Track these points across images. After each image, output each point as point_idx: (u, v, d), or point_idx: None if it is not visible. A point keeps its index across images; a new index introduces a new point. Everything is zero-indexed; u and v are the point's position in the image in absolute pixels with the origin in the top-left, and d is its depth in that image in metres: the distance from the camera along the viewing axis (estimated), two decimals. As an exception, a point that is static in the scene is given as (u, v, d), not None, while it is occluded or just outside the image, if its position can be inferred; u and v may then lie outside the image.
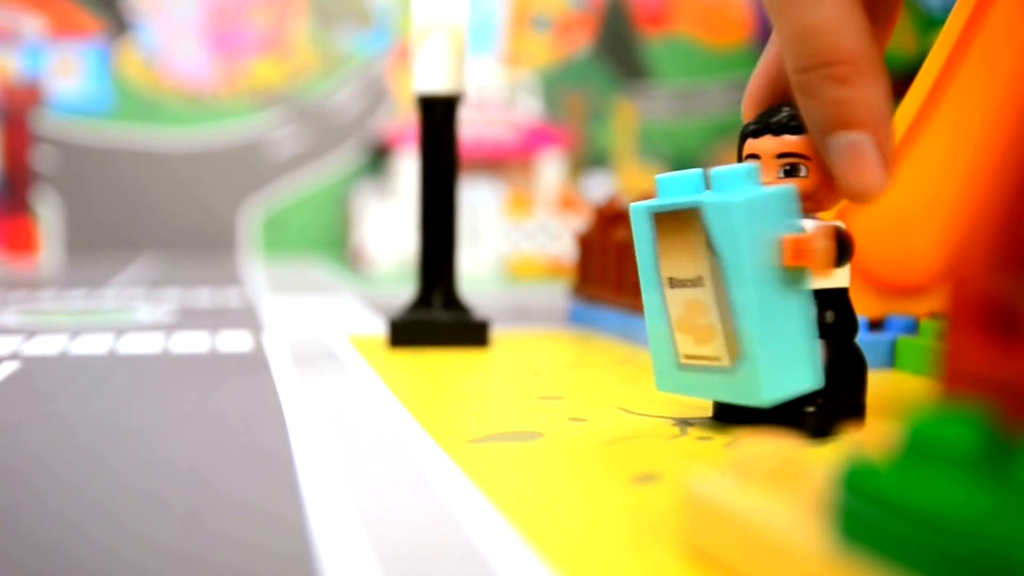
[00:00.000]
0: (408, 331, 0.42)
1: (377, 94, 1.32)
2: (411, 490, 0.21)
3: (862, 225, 0.38)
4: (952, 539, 0.12)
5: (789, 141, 0.25)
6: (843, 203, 0.38)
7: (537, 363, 0.38)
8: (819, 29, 0.23)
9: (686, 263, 0.25)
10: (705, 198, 0.24)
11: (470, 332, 0.42)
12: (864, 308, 0.39)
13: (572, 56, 1.37)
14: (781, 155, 0.25)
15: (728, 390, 0.25)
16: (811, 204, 0.25)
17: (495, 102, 1.14)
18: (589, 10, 1.37)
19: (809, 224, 0.25)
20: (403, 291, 0.72)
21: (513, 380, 0.34)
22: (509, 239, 1.04)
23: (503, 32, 1.35)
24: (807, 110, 0.24)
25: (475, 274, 0.98)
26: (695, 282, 0.25)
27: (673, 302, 0.26)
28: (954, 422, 0.13)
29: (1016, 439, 0.13)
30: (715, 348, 0.25)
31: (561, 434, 0.26)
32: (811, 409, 0.25)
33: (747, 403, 0.24)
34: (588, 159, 1.36)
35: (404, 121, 1.20)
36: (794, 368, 0.24)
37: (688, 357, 0.26)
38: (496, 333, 0.45)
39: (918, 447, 0.13)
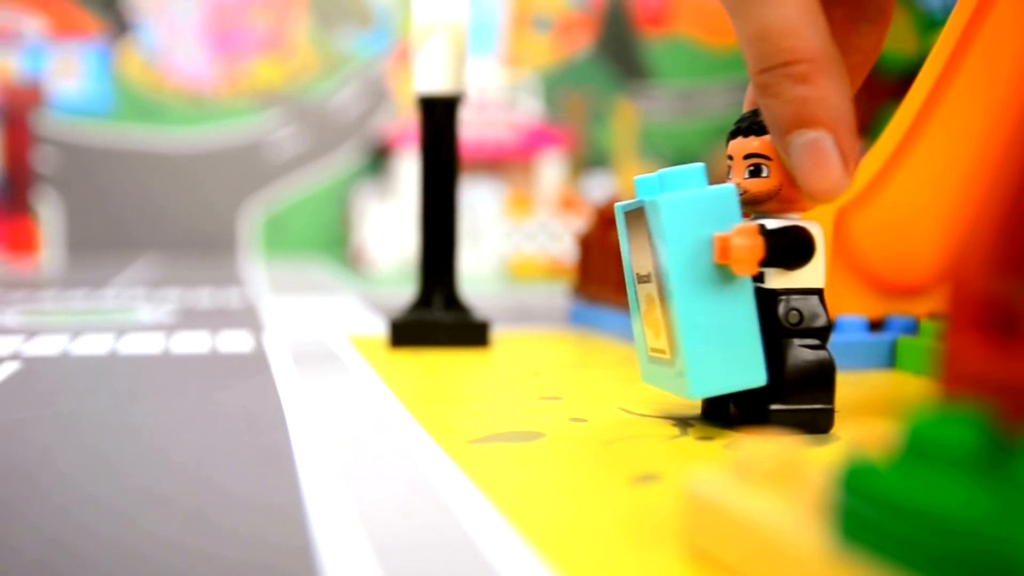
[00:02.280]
0: (409, 331, 0.42)
1: (377, 95, 1.32)
2: (411, 490, 0.21)
3: (863, 225, 0.38)
4: (952, 539, 0.12)
5: (753, 142, 0.26)
6: (843, 202, 0.38)
7: (537, 363, 0.38)
8: (779, 29, 0.23)
9: (644, 260, 0.26)
10: (648, 197, 0.25)
11: (470, 332, 0.42)
12: (864, 308, 0.39)
13: (572, 57, 1.37)
14: (747, 156, 0.26)
15: (670, 383, 0.26)
16: (777, 204, 0.26)
17: (496, 103, 1.14)
18: (589, 11, 1.37)
19: (771, 223, 0.25)
20: (403, 291, 0.72)
21: (513, 380, 0.34)
22: (509, 239, 1.04)
23: (503, 33, 1.35)
24: (767, 110, 0.24)
25: (476, 274, 0.98)
26: (648, 278, 0.26)
27: (641, 297, 0.27)
28: (954, 422, 0.13)
29: (1016, 439, 0.13)
30: (663, 341, 0.26)
31: (561, 434, 0.26)
32: (775, 408, 0.25)
33: (680, 396, 0.25)
34: (588, 160, 1.36)
35: (404, 122, 1.20)
36: (732, 364, 0.25)
37: (652, 350, 0.27)
38: (496, 333, 0.45)
39: (918, 447, 0.13)
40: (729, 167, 0.26)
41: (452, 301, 0.43)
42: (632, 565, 0.16)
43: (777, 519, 0.15)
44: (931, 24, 0.91)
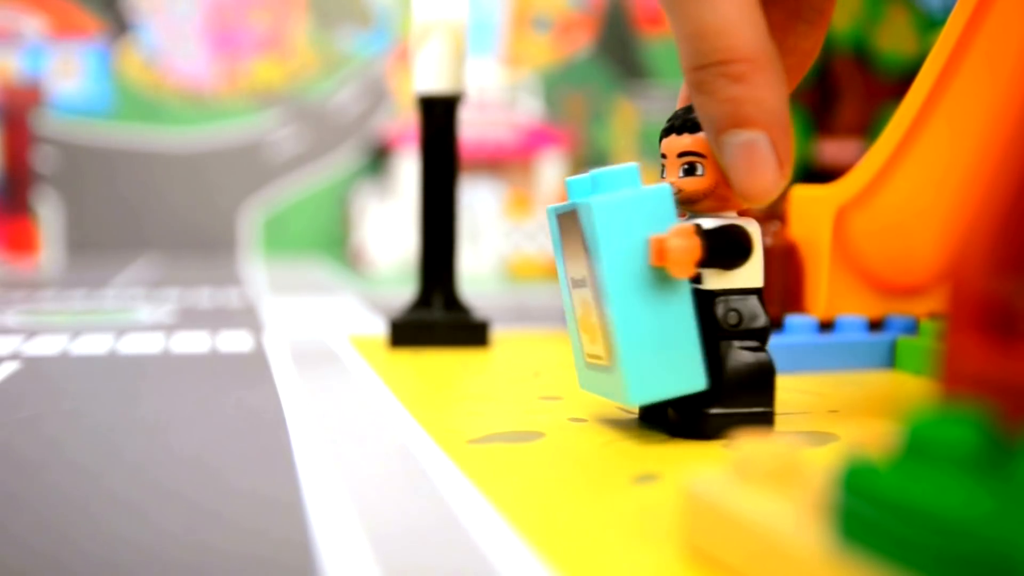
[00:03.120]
0: (408, 331, 0.42)
1: (377, 94, 1.32)
2: (410, 490, 0.21)
3: (862, 225, 0.38)
4: (952, 539, 0.12)
5: (687, 140, 0.25)
6: (842, 201, 0.38)
7: (537, 363, 0.38)
8: (716, 27, 0.22)
9: (578, 263, 0.25)
10: (580, 200, 0.24)
11: (470, 332, 0.42)
12: (864, 308, 0.39)
13: (572, 57, 1.37)
14: (681, 154, 0.25)
15: (609, 389, 0.25)
16: (712, 203, 0.25)
17: (495, 103, 1.14)
18: (589, 11, 1.37)
19: (707, 223, 0.25)
20: (403, 291, 0.72)
21: (513, 380, 0.34)
22: (509, 239, 1.04)
23: (503, 33, 1.35)
24: (701, 108, 0.24)
25: (475, 274, 0.98)
26: (583, 282, 0.25)
27: (576, 302, 0.26)
28: (954, 422, 0.13)
29: (1016, 439, 0.13)
30: (600, 347, 0.25)
31: (561, 434, 0.26)
32: (713, 411, 0.25)
33: (619, 403, 0.25)
34: (588, 159, 1.36)
35: (404, 121, 1.20)
36: (671, 369, 0.24)
37: (589, 356, 0.26)
38: (496, 333, 0.45)
39: (918, 447, 0.13)
40: (663, 166, 0.26)
41: (452, 301, 0.43)
42: (632, 565, 0.16)
43: (777, 519, 0.15)
44: (931, 24, 0.91)
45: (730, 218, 0.25)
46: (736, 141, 0.23)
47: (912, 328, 0.38)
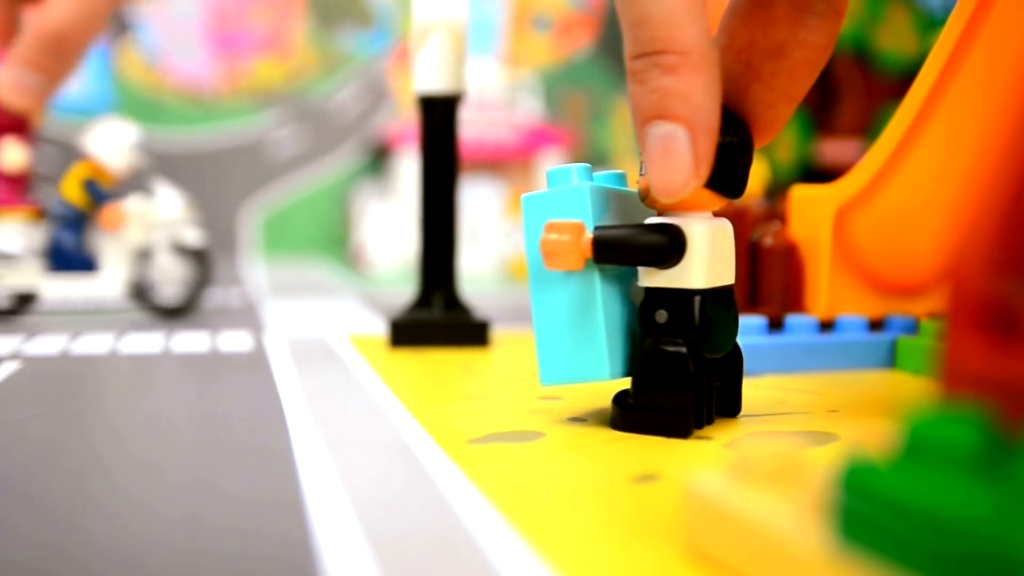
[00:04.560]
0: (408, 331, 0.42)
1: (378, 94, 1.32)
2: (410, 489, 0.21)
3: (863, 224, 0.38)
4: (952, 539, 0.12)
5: None
6: (843, 201, 0.38)
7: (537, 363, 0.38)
8: (656, 18, 0.22)
9: None
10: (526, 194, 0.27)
11: (470, 332, 0.42)
12: (864, 307, 0.39)
13: (572, 56, 1.37)
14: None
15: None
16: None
17: (495, 102, 1.14)
18: (589, 11, 1.37)
19: (649, 221, 0.26)
20: (404, 291, 0.72)
21: (513, 380, 0.34)
22: (510, 239, 1.04)
23: (503, 32, 1.35)
24: (632, 97, 0.24)
25: (475, 274, 0.98)
26: None
27: None
28: (954, 422, 0.13)
29: (1016, 439, 0.13)
30: None
31: (561, 434, 0.26)
32: (629, 406, 0.26)
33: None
34: (589, 159, 1.36)
35: (405, 121, 1.20)
36: (577, 356, 0.26)
37: None
38: (496, 333, 0.45)
39: (918, 447, 0.13)
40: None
41: (452, 301, 0.43)
42: (632, 565, 0.16)
43: (777, 519, 0.15)
44: (931, 24, 0.91)
45: (675, 218, 0.25)
46: (656, 132, 0.23)
47: (912, 328, 0.38)
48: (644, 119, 0.23)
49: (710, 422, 0.27)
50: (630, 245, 0.25)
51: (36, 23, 0.42)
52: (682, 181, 0.23)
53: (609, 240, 0.25)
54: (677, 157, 0.23)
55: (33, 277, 0.50)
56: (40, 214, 0.51)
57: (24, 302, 0.51)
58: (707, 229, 0.25)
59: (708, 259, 0.25)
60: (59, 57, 0.43)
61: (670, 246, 0.25)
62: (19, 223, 0.50)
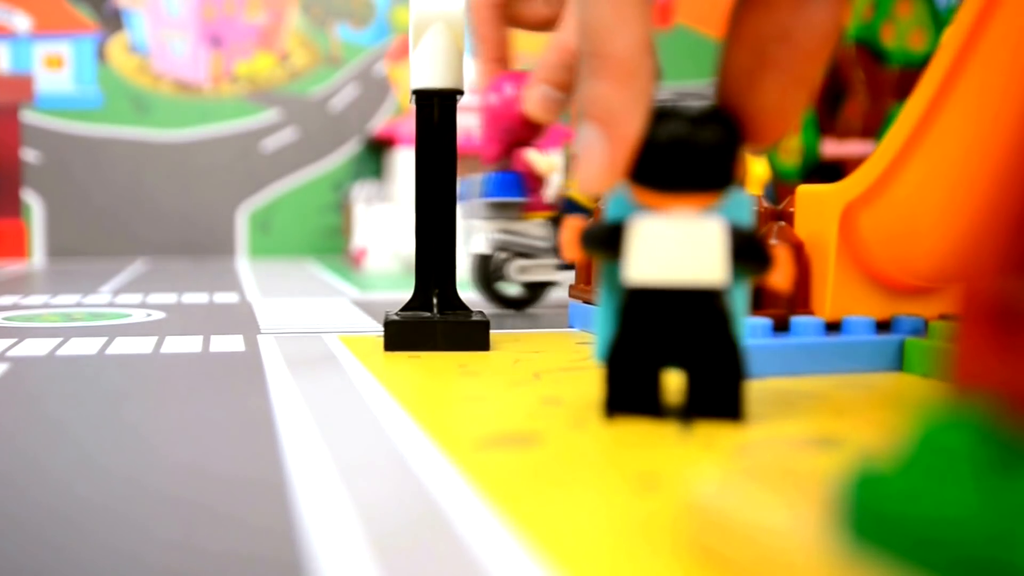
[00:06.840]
0: (406, 332, 0.41)
1: (376, 93, 1.31)
2: (409, 493, 0.20)
3: (870, 224, 0.37)
4: (961, 542, 0.12)
5: None
6: (849, 199, 0.37)
7: (537, 365, 0.38)
8: (591, 25, 0.24)
9: None
10: None
11: (469, 333, 0.42)
12: (871, 309, 0.38)
13: (572, 55, 1.37)
14: None
15: None
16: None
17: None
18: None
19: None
20: (401, 292, 0.71)
21: (513, 382, 0.34)
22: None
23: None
24: (578, 94, 0.25)
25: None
26: None
27: None
28: (962, 425, 0.13)
29: (1030, 443, 0.13)
30: None
31: (562, 436, 0.26)
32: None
33: None
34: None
35: (403, 119, 1.20)
36: (600, 340, 0.27)
37: None
38: (495, 335, 0.45)
39: (926, 450, 0.13)
40: None
41: (450, 301, 0.43)
42: (635, 567, 0.16)
43: (782, 521, 0.15)
44: (940, 20, 0.91)
45: (651, 212, 0.26)
46: (583, 130, 0.25)
47: (921, 329, 0.38)
48: (580, 115, 0.25)
49: (662, 415, 0.27)
50: (585, 236, 0.27)
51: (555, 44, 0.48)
52: (594, 179, 0.25)
53: (588, 235, 0.27)
54: (591, 157, 0.25)
55: (551, 272, 0.57)
56: (555, 214, 0.56)
57: (536, 293, 0.58)
58: (652, 225, 0.26)
59: (645, 255, 0.26)
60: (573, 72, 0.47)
61: (603, 239, 0.26)
62: (541, 223, 0.56)
